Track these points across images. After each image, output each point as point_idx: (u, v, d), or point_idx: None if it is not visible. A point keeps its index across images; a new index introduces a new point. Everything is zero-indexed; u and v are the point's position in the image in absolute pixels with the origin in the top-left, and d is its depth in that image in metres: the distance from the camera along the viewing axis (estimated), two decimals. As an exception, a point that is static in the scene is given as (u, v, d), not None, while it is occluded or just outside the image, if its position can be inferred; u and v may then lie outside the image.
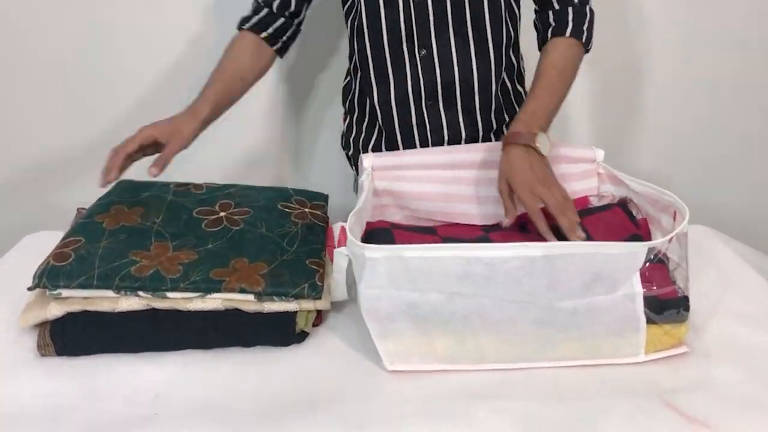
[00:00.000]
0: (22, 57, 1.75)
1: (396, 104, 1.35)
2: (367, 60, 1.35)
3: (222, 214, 1.15)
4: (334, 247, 1.15)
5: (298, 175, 1.93)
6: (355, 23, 1.34)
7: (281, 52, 1.37)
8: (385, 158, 1.22)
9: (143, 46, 1.75)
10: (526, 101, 1.21)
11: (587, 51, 1.30)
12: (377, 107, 1.37)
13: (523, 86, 1.43)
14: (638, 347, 0.97)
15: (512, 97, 1.40)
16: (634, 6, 1.78)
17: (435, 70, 1.31)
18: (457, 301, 0.93)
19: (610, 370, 0.97)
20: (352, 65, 1.43)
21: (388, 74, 1.34)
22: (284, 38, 1.35)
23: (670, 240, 0.93)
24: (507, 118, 1.40)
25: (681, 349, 0.99)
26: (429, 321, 0.94)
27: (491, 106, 1.36)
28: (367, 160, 1.21)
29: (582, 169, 1.23)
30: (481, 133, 1.38)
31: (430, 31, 1.29)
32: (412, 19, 1.28)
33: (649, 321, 0.95)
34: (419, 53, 1.31)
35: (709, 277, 1.18)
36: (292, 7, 1.33)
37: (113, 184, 1.17)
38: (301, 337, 1.03)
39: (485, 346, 0.96)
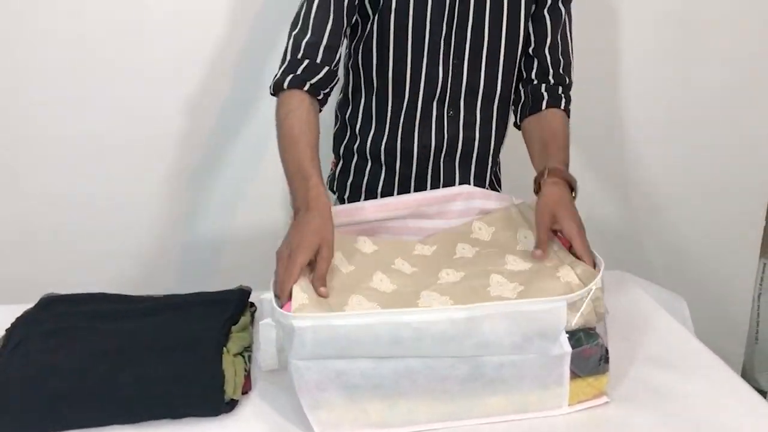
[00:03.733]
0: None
1: (417, 155, 1.40)
2: (399, 111, 1.38)
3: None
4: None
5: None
6: (389, 74, 1.35)
7: (322, 107, 1.31)
8: (340, 217, 1.22)
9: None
10: (553, 154, 1.29)
11: None
12: (398, 156, 1.41)
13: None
14: (562, 399, 1.00)
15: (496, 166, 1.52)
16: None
17: (459, 130, 1.39)
18: (386, 365, 0.95)
19: (535, 423, 0.99)
20: (349, 114, 1.44)
21: (414, 128, 1.39)
22: (330, 95, 1.32)
23: (588, 294, 0.98)
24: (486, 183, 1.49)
25: (602, 399, 1.03)
26: (359, 387, 0.95)
27: (489, 170, 1.48)
28: None
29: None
30: None
31: (460, 95, 1.37)
32: (448, 82, 1.35)
33: (572, 375, 0.99)
34: (447, 113, 1.38)
35: (626, 323, 1.23)
36: (337, 62, 1.30)
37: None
38: (231, 405, 1.02)
39: (416, 407, 0.97)
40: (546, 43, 1.38)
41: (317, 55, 1.25)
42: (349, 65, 1.41)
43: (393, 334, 0.92)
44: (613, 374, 1.05)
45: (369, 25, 1.33)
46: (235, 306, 1.19)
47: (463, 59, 1.34)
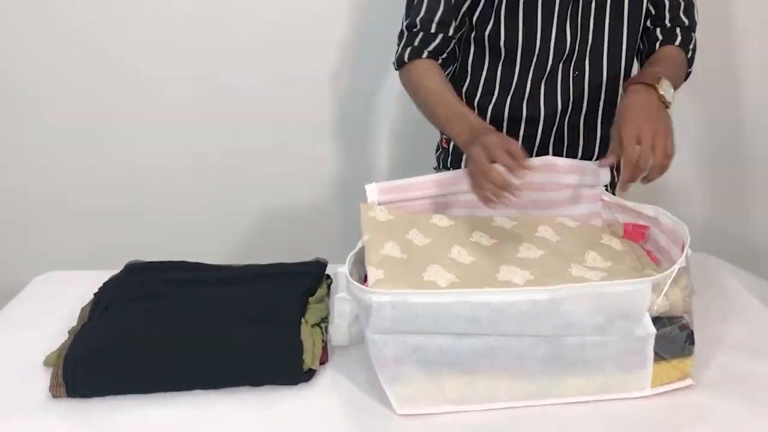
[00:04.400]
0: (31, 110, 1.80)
1: (543, 118, 1.39)
2: (526, 78, 1.37)
3: None
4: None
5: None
6: (518, 42, 1.35)
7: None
8: (391, 194, 1.22)
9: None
10: (649, 67, 1.29)
11: (688, 75, 1.38)
12: (523, 121, 1.40)
13: None
14: (645, 382, 0.98)
15: None
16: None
17: (584, 90, 1.37)
18: (464, 342, 0.94)
19: (616, 405, 0.98)
20: (466, 87, 1.43)
21: (540, 89, 1.38)
22: (450, 62, 1.39)
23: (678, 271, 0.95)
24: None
25: (686, 382, 1.00)
26: (437, 363, 0.95)
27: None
28: (372, 193, 1.21)
29: (583, 193, 1.26)
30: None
31: (585, 55, 1.35)
32: (576, 43, 1.34)
33: (656, 357, 0.97)
34: (573, 74, 1.36)
35: (713, 307, 1.19)
36: (453, 32, 1.34)
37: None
38: (309, 375, 1.04)
39: (494, 386, 0.97)
40: None
41: (431, 26, 1.32)
42: (472, 38, 1.40)
43: (471, 313, 0.92)
44: (697, 360, 1.02)
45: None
46: (312, 278, 1.21)
47: (589, 18, 1.32)
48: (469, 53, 1.42)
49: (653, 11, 1.38)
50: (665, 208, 1.12)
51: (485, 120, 1.38)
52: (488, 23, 1.35)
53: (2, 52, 1.77)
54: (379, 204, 1.20)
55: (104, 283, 1.22)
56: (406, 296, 0.92)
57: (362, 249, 1.08)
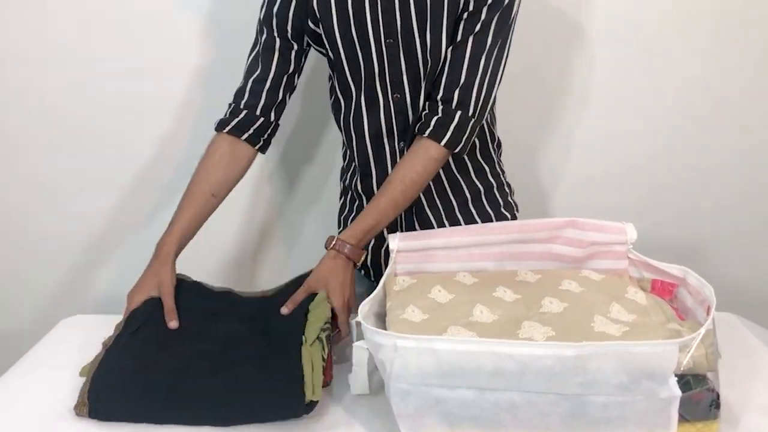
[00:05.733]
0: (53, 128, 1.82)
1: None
2: (353, 152, 1.42)
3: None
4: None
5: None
6: (339, 122, 1.43)
7: (263, 149, 1.42)
8: (411, 241, 1.25)
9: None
10: (365, 214, 1.29)
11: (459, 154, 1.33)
12: (361, 192, 1.46)
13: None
14: (669, 444, 0.97)
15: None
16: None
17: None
18: (487, 396, 0.94)
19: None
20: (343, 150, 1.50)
21: (370, 166, 1.42)
22: (265, 136, 1.40)
23: (701, 337, 0.94)
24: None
25: (712, 446, 0.98)
26: (459, 417, 0.95)
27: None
28: (393, 242, 1.24)
29: (612, 251, 1.25)
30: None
31: (408, 127, 1.36)
32: (392, 118, 1.36)
33: (681, 419, 0.95)
34: (398, 146, 1.38)
35: (739, 368, 1.17)
36: (274, 108, 1.38)
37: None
38: (309, 408, 1.04)
39: (516, 442, 0.96)
40: (446, 63, 1.30)
41: (242, 100, 1.37)
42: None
43: (496, 364, 0.91)
44: (724, 422, 1.00)
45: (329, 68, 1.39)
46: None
47: (404, 93, 1.34)
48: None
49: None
50: (693, 267, 1.12)
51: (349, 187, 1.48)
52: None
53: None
54: (399, 252, 1.24)
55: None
56: (431, 342, 0.92)
57: (380, 303, 1.11)
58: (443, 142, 1.28)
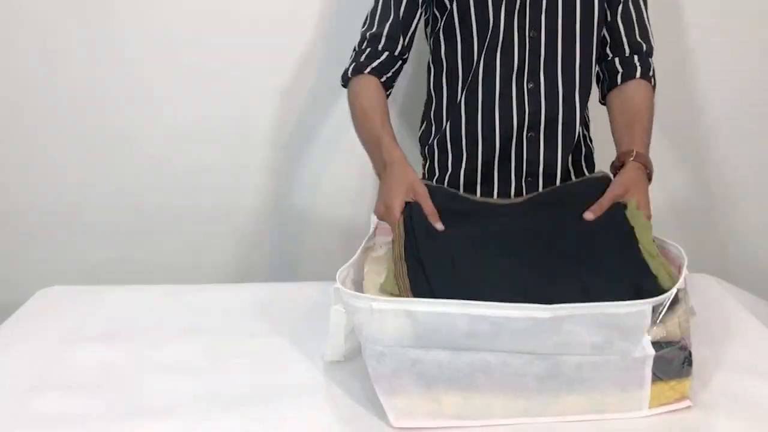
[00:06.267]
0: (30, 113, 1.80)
1: (500, 136, 1.39)
2: (476, 93, 1.38)
3: None
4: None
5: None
6: (472, 59, 1.37)
7: (389, 94, 1.40)
8: None
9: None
10: (638, 136, 1.29)
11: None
12: (479, 142, 1.40)
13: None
14: (642, 402, 0.97)
15: (581, 138, 1.47)
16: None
17: (540, 104, 1.37)
18: (462, 357, 0.94)
19: (614, 424, 0.97)
20: (433, 110, 1.46)
21: (495, 108, 1.38)
22: (395, 79, 1.39)
23: (676, 295, 0.95)
24: (580, 157, 1.47)
25: (684, 403, 0.99)
26: (435, 378, 0.95)
27: (574, 144, 1.43)
28: (374, 221, 1.24)
29: None
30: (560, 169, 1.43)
31: (539, 67, 1.36)
32: (525, 57, 1.35)
33: (654, 378, 0.96)
34: (527, 86, 1.37)
35: (713, 328, 1.18)
36: (401, 50, 1.37)
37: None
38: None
39: (492, 402, 0.97)
40: (618, 11, 1.37)
41: (379, 43, 1.35)
42: (430, 61, 1.43)
43: (471, 326, 0.92)
44: (697, 380, 1.01)
45: (446, 16, 1.36)
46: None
47: (540, 30, 1.34)
48: (431, 75, 1.44)
49: (608, 39, 1.39)
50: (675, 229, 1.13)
51: (445, 144, 1.43)
52: (439, 42, 1.39)
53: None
54: (381, 224, 1.23)
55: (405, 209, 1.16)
56: (406, 305, 0.93)
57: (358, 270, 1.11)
58: (651, 81, 1.37)
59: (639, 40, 1.38)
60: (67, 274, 1.74)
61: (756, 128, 1.90)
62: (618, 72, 1.38)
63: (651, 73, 1.38)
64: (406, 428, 0.97)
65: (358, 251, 1.14)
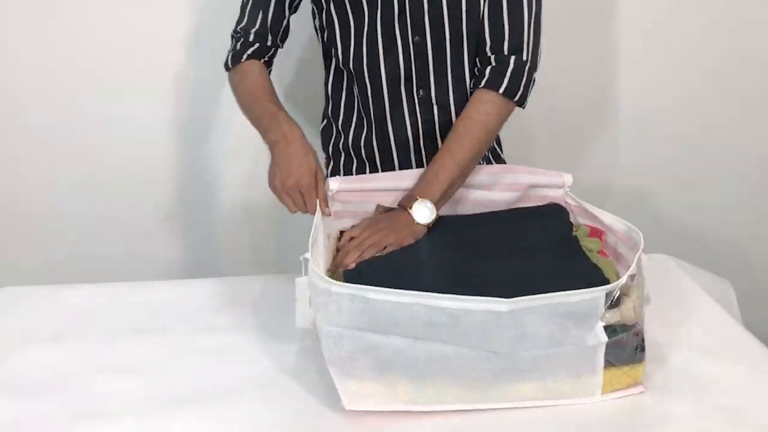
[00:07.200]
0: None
1: (396, 145, 1.35)
2: (367, 102, 1.34)
3: None
4: None
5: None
6: (349, 66, 1.33)
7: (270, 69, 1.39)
8: (352, 183, 1.26)
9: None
10: (432, 175, 1.22)
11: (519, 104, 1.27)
12: (377, 153, 1.37)
13: None
14: (595, 388, 0.98)
15: None
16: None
17: (433, 112, 1.32)
18: (420, 346, 0.94)
19: (567, 410, 0.98)
20: (330, 110, 1.42)
21: (386, 116, 1.34)
22: (273, 60, 1.38)
23: (631, 278, 0.96)
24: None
25: (637, 389, 1.00)
26: (390, 363, 0.95)
27: None
28: (334, 183, 1.24)
29: (549, 195, 1.29)
30: None
31: (429, 73, 1.30)
32: (411, 62, 1.29)
33: (607, 364, 0.97)
34: (417, 94, 1.31)
35: (668, 308, 1.19)
36: (272, 43, 1.35)
37: None
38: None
39: (446, 391, 0.97)
40: (485, 9, 1.26)
41: (249, 37, 1.33)
42: (323, 56, 1.40)
43: (428, 316, 0.91)
44: (652, 362, 1.03)
45: (325, 14, 1.32)
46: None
47: (425, 35, 1.27)
48: (325, 74, 1.41)
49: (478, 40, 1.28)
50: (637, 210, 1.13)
51: (349, 149, 1.40)
52: (328, 43, 1.35)
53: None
54: (339, 191, 1.24)
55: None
56: (365, 291, 0.92)
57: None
58: (501, 90, 1.23)
59: (505, 50, 1.25)
60: (23, 274, 1.70)
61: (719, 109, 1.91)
62: (474, 76, 1.29)
63: (504, 81, 1.23)
64: (359, 411, 0.97)
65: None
